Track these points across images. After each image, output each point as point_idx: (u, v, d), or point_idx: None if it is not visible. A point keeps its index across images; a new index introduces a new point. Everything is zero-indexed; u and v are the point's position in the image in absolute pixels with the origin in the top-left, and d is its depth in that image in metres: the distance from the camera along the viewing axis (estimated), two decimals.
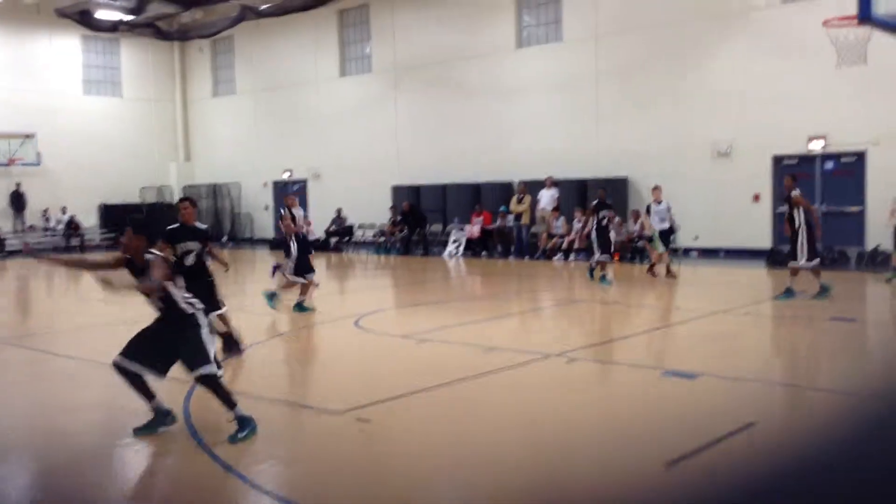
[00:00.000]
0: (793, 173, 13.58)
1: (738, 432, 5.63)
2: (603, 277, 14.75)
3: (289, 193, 15.30)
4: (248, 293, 15.83)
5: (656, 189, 15.75)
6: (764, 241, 18.67)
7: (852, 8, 11.81)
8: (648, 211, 15.69)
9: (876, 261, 16.07)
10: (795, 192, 12.01)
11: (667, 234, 15.54)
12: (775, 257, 17.59)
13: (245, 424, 5.69)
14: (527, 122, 22.40)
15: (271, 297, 11.93)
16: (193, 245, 8.24)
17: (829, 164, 18.03)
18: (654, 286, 14.63)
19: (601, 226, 14.98)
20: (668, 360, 8.65)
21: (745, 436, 5.60)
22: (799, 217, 11.91)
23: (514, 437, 5.84)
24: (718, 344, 9.22)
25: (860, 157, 17.43)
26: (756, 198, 18.80)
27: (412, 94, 25.17)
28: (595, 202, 15.29)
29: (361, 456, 5.49)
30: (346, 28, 27.19)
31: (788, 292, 11.99)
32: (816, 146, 17.96)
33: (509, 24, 22.90)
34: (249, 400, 6.93)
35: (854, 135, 17.36)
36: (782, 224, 18.32)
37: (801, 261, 11.81)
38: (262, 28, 27.79)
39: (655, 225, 15.45)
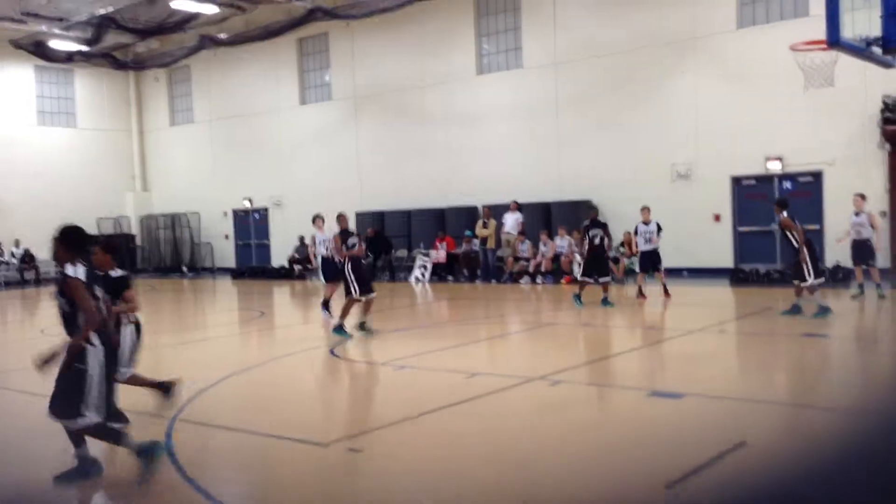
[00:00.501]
0: (781, 198, 13.89)
1: (732, 452, 5.67)
2: (605, 300, 14.47)
3: (317, 215, 14.61)
4: (209, 324, 15.57)
5: (645, 209, 15.53)
6: (726, 260, 19.01)
7: (808, 33, 12.19)
8: (636, 232, 15.54)
9: (836, 277, 16.44)
10: (782, 217, 12.17)
11: (651, 256, 15.34)
12: (738, 276, 17.93)
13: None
14: (489, 148, 22.57)
15: (340, 329, 11.73)
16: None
17: (787, 185, 18.47)
18: (625, 307, 14.75)
19: (594, 245, 14.61)
20: (652, 380, 8.70)
21: (739, 455, 5.64)
22: (794, 239, 12.04)
23: (507, 463, 5.79)
24: (699, 363, 9.31)
25: (817, 178, 17.89)
26: (717, 218, 19.15)
27: (373, 121, 25.21)
28: (586, 222, 14.97)
29: (358, 488, 5.39)
30: (305, 56, 27.17)
31: (795, 309, 11.99)
32: (774, 167, 18.40)
33: (469, 52, 23.13)
34: (231, 434, 6.79)
35: (810, 155, 17.83)
36: (746, 243, 18.95)
37: (810, 280, 11.88)
38: (220, 57, 27.63)
39: (641, 245, 15.39)
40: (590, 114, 20.89)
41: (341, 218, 12.37)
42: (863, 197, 14.06)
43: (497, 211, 21.23)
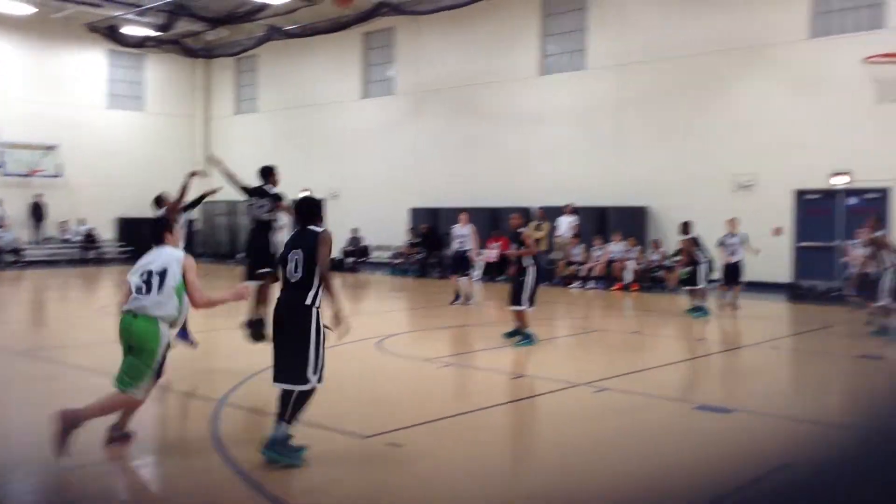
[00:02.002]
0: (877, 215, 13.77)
1: (773, 472, 5.54)
2: (697, 309, 14.39)
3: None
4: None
5: (732, 221, 15.31)
6: (784, 275, 18.55)
7: (883, 46, 11.82)
8: (723, 244, 15.22)
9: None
10: (880, 234, 11.97)
11: (735, 268, 15.10)
12: (796, 291, 17.51)
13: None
14: (548, 149, 22.43)
15: (516, 335, 10.95)
16: None
17: (853, 200, 17.94)
18: (674, 318, 14.52)
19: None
20: (699, 393, 8.55)
21: (783, 475, 5.51)
22: (887, 258, 11.69)
23: (545, 468, 5.76)
24: (748, 378, 9.12)
25: (884, 194, 17.34)
26: (777, 231, 18.70)
27: (434, 118, 25.27)
28: (693, 235, 14.89)
29: (394, 482, 5.42)
30: (369, 50, 27.38)
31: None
32: (839, 181, 17.89)
33: (533, 52, 23.02)
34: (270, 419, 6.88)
35: (878, 171, 17.28)
36: (806, 259, 18.45)
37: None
38: (286, 48, 28.01)
39: (726, 258, 15.09)
40: (651, 119, 20.60)
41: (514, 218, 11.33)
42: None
43: (552, 213, 21.09)
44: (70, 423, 5.41)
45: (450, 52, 24.72)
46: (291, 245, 5.67)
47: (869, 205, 17.49)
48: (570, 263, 20.30)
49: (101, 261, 27.72)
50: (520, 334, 10.83)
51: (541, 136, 22.62)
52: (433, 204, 24.56)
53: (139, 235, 28.78)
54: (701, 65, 19.73)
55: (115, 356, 5.94)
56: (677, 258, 18.80)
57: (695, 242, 14.74)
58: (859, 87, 14.17)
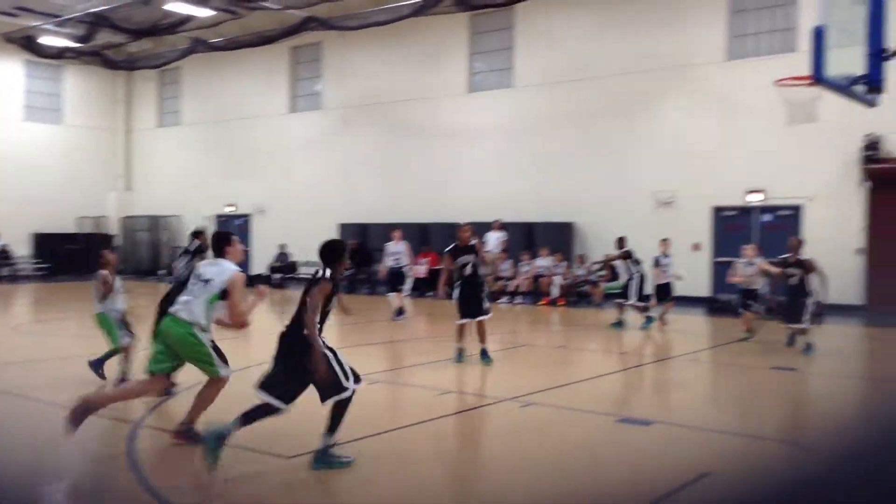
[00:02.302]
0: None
1: (695, 482, 5.67)
2: (650, 319, 14.74)
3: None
4: None
5: (665, 241, 15.41)
6: (703, 289, 19.09)
7: (795, 68, 12.31)
8: (657, 263, 15.29)
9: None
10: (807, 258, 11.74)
11: (667, 287, 15.25)
12: (714, 305, 18.04)
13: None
14: (476, 165, 22.63)
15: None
16: None
17: (767, 217, 18.62)
18: (599, 332, 14.77)
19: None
20: (622, 406, 8.70)
21: (702, 485, 5.64)
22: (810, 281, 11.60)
23: (471, 485, 5.77)
24: (669, 391, 9.33)
25: (796, 212, 18.06)
26: (696, 247, 19.25)
27: (362, 133, 25.23)
28: (627, 249, 15.15)
29: (315, 502, 5.34)
30: (297, 65, 27.20)
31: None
32: (754, 199, 18.56)
33: (461, 69, 23.24)
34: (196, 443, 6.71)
35: (791, 189, 18.00)
36: (724, 273, 18.98)
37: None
38: (211, 60, 27.59)
39: (660, 278, 15.20)
40: (577, 136, 21.02)
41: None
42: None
43: (481, 229, 21.21)
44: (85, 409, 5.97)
45: (379, 68, 24.75)
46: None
47: (782, 221, 18.18)
48: (498, 279, 20.47)
49: (15, 278, 26.66)
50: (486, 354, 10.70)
51: (469, 153, 22.82)
52: (362, 220, 24.46)
53: (56, 251, 28.01)
54: (624, 85, 20.24)
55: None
56: (602, 273, 19.20)
57: (628, 256, 15.03)
58: (773, 109, 14.72)
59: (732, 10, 19.10)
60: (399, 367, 11.35)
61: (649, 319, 14.74)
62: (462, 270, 10.72)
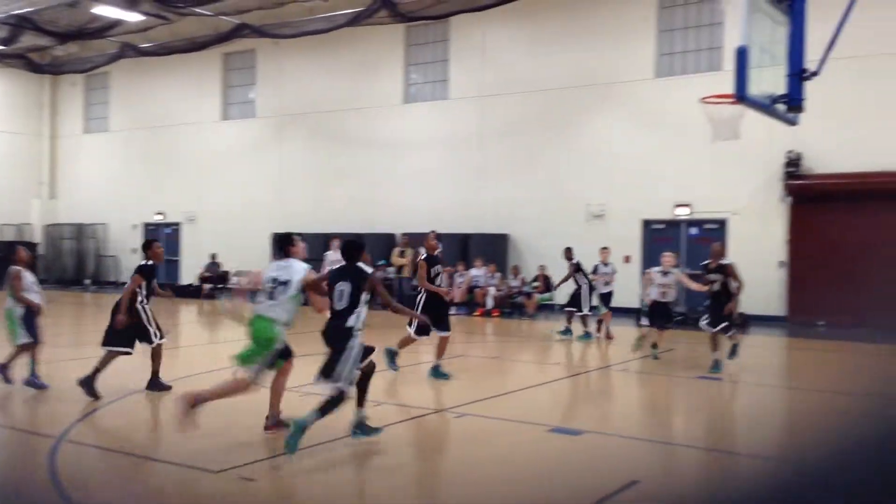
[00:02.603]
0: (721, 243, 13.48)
1: (624, 489, 5.77)
2: (587, 334, 14.76)
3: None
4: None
5: (605, 250, 15.50)
6: (633, 300, 19.45)
7: (720, 87, 12.71)
8: (596, 271, 15.31)
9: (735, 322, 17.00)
10: (728, 262, 11.51)
11: (608, 297, 15.32)
12: (643, 315, 18.39)
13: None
14: (412, 176, 22.66)
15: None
16: None
17: (694, 230, 19.13)
18: (533, 343, 14.91)
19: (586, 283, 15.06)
20: (553, 416, 8.79)
21: (632, 492, 5.74)
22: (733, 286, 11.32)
23: (402, 497, 5.74)
24: (599, 400, 9.46)
25: (722, 225, 18.60)
26: (627, 259, 19.64)
27: (297, 142, 25.00)
28: (576, 261, 15.15)
29: None
30: (230, 71, 26.82)
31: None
32: (682, 213, 19.06)
33: (397, 80, 23.27)
34: (121, 457, 6.53)
35: (716, 204, 18.54)
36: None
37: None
38: (141, 66, 27.00)
39: (601, 288, 15.22)
40: (511, 149, 21.25)
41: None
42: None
43: (416, 240, 21.23)
44: (192, 403, 6.55)
45: (314, 77, 24.59)
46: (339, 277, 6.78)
47: (708, 234, 18.69)
48: None
49: None
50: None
51: (405, 164, 22.83)
52: (296, 229, 24.15)
53: None
54: (556, 99, 20.57)
55: None
56: (536, 284, 19.42)
57: (579, 268, 15.09)
58: (698, 126, 15.16)
59: (660, 28, 19.63)
60: None
61: (587, 334, 14.80)
62: (434, 281, 10.37)
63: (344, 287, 6.68)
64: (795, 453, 7.08)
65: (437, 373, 10.37)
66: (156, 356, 9.20)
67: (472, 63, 21.99)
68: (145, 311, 9.11)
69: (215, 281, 24.76)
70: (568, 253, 15.37)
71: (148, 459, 6.54)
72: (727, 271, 11.39)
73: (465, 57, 22.15)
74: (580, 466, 6.58)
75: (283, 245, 7.21)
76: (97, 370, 8.73)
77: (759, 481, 6.21)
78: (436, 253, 10.56)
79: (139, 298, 9.03)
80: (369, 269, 6.87)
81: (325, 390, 6.53)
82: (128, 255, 28.61)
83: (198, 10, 21.32)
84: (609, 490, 5.72)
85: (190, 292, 24.87)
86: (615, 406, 9.33)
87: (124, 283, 27.58)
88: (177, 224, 27.46)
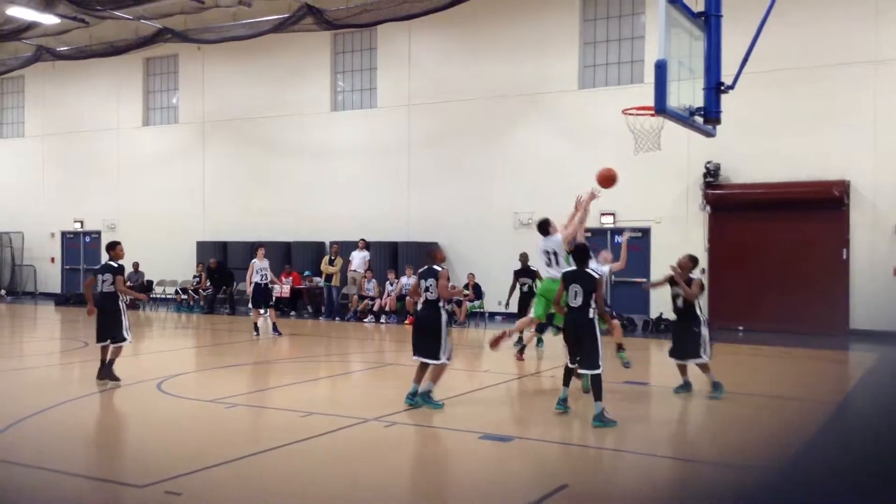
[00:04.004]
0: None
1: (554, 494, 5.87)
2: (540, 341, 14.59)
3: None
4: (25, 353, 14.49)
5: (524, 255, 15.83)
6: None
7: (643, 99, 13.08)
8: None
9: (660, 327, 17.50)
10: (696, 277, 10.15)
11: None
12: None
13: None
14: (340, 184, 22.54)
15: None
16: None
17: (618, 238, 19.54)
18: (464, 351, 15.00)
19: (523, 293, 14.97)
20: (483, 423, 8.87)
21: (561, 497, 5.85)
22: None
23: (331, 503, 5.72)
24: (528, 407, 9.59)
25: (645, 234, 19.08)
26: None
27: (221, 149, 24.58)
28: (517, 269, 15.11)
29: None
30: (151, 76, 26.22)
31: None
32: (607, 221, 19.48)
33: (324, 87, 23.13)
34: (42, 473, 6.32)
35: (639, 213, 19.01)
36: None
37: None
38: (58, 70, 26.17)
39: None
40: (439, 157, 21.35)
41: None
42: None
43: (345, 248, 21.15)
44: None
45: (238, 83, 24.24)
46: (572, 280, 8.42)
47: (632, 242, 19.11)
48: (364, 298, 20.41)
49: None
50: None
51: (333, 171, 22.70)
52: (221, 238, 23.79)
53: None
54: (482, 109, 20.78)
55: None
56: (466, 292, 19.53)
57: (532, 275, 14.93)
58: (622, 136, 15.55)
59: (584, 41, 20.04)
60: (259, 388, 11.09)
61: (540, 341, 14.64)
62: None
63: (577, 288, 8.31)
64: (722, 456, 7.33)
65: (430, 401, 9.20)
66: (118, 351, 10.59)
67: (400, 72, 22.03)
68: (124, 311, 10.56)
69: (138, 290, 24.05)
70: (524, 258, 15.62)
71: (69, 475, 6.33)
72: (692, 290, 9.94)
73: (393, 65, 22.18)
74: (510, 471, 6.66)
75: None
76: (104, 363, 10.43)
77: (684, 482, 6.40)
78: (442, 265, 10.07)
79: (121, 297, 10.60)
80: (597, 274, 8.46)
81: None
82: (45, 265, 27.62)
83: (117, 13, 20.78)
84: (539, 495, 5.81)
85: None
86: (543, 412, 9.46)
87: (42, 294, 26.53)
88: (97, 232, 26.64)
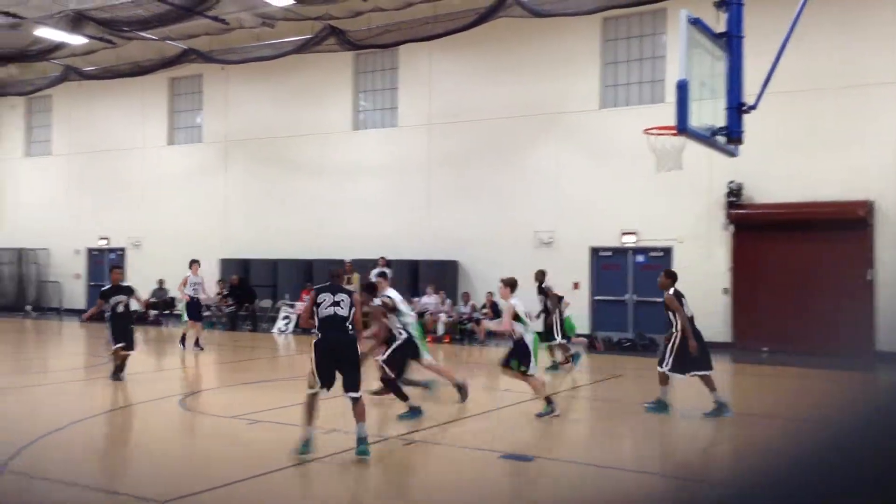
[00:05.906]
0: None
1: None
2: (576, 356, 14.42)
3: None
4: (50, 368, 14.63)
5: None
6: (583, 326, 19.69)
7: (664, 118, 13.08)
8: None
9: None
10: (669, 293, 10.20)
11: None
12: (592, 342, 18.64)
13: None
14: (361, 203, 22.66)
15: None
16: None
17: (640, 258, 19.50)
18: (483, 369, 14.97)
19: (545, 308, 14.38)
20: (504, 442, 8.84)
21: None
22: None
23: None
24: (549, 426, 9.54)
25: (667, 253, 19.00)
26: (576, 286, 19.88)
27: (244, 168, 24.83)
28: (537, 285, 14.62)
29: None
30: (176, 96, 26.58)
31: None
32: (629, 240, 19.42)
33: (346, 107, 23.32)
34: (65, 487, 6.38)
35: (661, 232, 18.94)
36: (602, 312, 19.74)
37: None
38: (85, 89, 26.59)
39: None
40: (460, 176, 21.42)
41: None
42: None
43: (365, 266, 21.21)
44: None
45: (261, 103, 24.51)
46: None
47: (654, 262, 19.08)
48: None
49: None
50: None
51: (354, 190, 22.83)
52: (243, 255, 23.97)
53: None
54: (503, 128, 20.85)
55: None
56: (485, 310, 19.52)
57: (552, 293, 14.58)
58: (644, 156, 15.51)
59: (605, 61, 20.09)
60: (280, 405, 11.11)
61: (555, 364, 14.34)
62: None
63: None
64: (744, 479, 7.26)
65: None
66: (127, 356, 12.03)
67: (421, 91, 22.18)
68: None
69: (162, 307, 24.32)
70: (541, 276, 14.76)
71: (91, 489, 6.39)
72: (666, 304, 10.22)
73: (414, 85, 22.34)
74: (531, 493, 6.63)
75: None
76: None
77: None
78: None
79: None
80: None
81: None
82: (70, 281, 27.94)
83: (143, 34, 21.12)
84: None
85: (135, 319, 24.31)
86: (564, 432, 9.42)
87: (68, 310, 26.98)
88: (122, 249, 26.94)
